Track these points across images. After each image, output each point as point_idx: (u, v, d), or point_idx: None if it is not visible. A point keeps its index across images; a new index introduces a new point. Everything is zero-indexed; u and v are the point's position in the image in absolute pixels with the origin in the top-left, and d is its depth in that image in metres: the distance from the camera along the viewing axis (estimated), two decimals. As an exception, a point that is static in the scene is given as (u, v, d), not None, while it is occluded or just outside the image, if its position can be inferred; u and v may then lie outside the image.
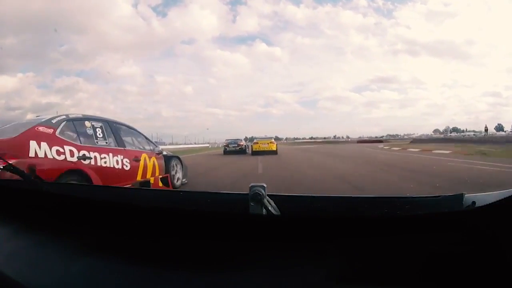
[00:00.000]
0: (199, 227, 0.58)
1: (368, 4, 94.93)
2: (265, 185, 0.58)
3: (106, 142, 3.17)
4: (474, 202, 0.53)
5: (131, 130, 3.91)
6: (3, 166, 1.00)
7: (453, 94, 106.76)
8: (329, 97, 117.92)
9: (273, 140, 15.48)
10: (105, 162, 3.00)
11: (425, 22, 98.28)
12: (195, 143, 45.06)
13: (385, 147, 19.51)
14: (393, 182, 4.80)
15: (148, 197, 0.87)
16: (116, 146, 3.27)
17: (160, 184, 3.87)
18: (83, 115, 3.16)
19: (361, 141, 45.21)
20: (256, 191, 0.57)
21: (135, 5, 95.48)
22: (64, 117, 2.89)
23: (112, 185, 2.67)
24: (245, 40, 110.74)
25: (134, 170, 3.39)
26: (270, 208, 0.57)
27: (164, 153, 4.29)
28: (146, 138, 4.16)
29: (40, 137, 2.52)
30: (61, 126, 2.76)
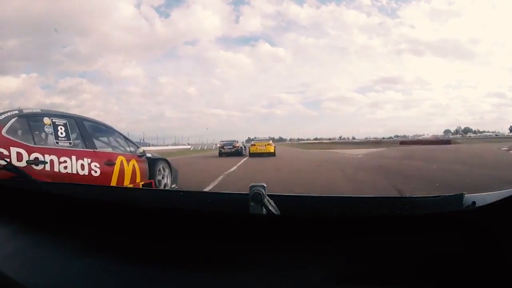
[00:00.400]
0: (199, 227, 0.58)
1: (372, 3, 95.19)
2: (265, 185, 0.58)
3: (70, 143, 2.65)
4: (474, 202, 0.53)
5: (104, 128, 3.38)
6: (3, 166, 1.00)
7: (457, 95, 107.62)
8: (333, 97, 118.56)
9: (270, 142, 15.00)
10: (66, 167, 2.48)
11: (429, 21, 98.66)
12: (175, 144, 36.11)
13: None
14: None
15: (148, 197, 0.87)
16: (83, 148, 2.75)
17: (143, 191, 3.43)
18: (42, 110, 2.68)
19: (405, 142, 32.36)
20: (256, 191, 0.57)
21: (137, 6, 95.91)
22: (16, 112, 2.46)
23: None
24: (248, 40, 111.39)
25: (106, 176, 2.89)
26: (270, 208, 0.57)
27: (149, 155, 3.70)
28: (126, 138, 3.60)
29: None
30: (10, 123, 2.32)
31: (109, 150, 3.25)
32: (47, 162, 2.36)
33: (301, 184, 4.96)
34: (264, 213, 0.57)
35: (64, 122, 2.70)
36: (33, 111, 2.61)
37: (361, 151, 15.81)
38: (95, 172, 2.74)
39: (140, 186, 3.36)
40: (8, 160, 1.84)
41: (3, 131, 2.26)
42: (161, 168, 3.82)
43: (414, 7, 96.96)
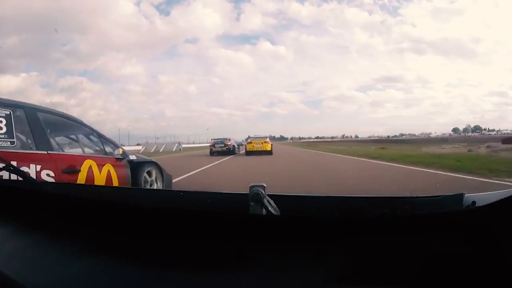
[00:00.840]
0: (199, 227, 0.58)
1: (373, 1, 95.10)
2: (265, 185, 0.58)
3: (12, 142, 1.97)
4: (474, 202, 0.53)
5: (69, 122, 2.57)
6: (3, 166, 1.00)
7: (458, 93, 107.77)
8: (334, 96, 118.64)
9: (267, 140, 14.50)
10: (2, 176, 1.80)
11: (431, 20, 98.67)
12: (138, 144, 29.90)
13: None
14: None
15: (148, 197, 0.87)
16: (33, 149, 2.08)
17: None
18: None
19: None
20: (256, 191, 0.57)
21: (137, 4, 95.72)
22: None
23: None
24: (249, 38, 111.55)
25: None
26: (270, 208, 0.57)
27: (132, 157, 2.99)
28: (100, 135, 2.80)
29: None
30: None
31: (73, 151, 2.58)
32: None
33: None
34: (264, 213, 0.57)
35: (7, 113, 1.98)
36: None
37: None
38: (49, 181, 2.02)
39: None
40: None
41: None
42: (149, 173, 3.10)
43: (416, 6, 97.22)
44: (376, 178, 5.97)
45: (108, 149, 2.76)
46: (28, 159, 1.98)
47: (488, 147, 13.86)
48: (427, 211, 0.59)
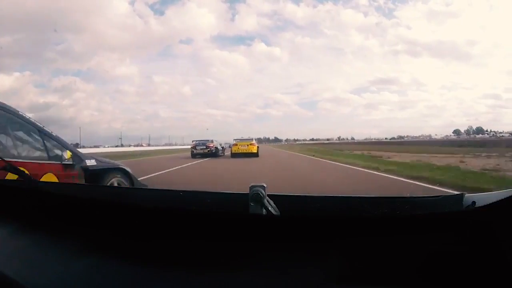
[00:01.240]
0: (199, 227, 0.58)
1: (369, 3, 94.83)
2: (265, 185, 0.58)
3: None
4: (474, 202, 0.53)
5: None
6: (3, 166, 1.00)
7: (452, 96, 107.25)
8: (329, 98, 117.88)
9: (253, 142, 14.13)
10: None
11: (426, 22, 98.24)
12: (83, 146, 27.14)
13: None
14: None
15: (148, 197, 0.87)
16: None
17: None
18: None
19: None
20: (256, 191, 0.57)
21: (131, 3, 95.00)
22: None
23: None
24: (244, 39, 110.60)
25: None
26: (270, 208, 0.57)
27: (91, 163, 2.39)
28: (44, 132, 2.11)
29: None
30: None
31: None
32: None
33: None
34: (264, 213, 0.57)
35: None
36: None
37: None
38: None
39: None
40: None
41: None
42: (114, 182, 2.50)
43: (411, 8, 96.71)
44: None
45: (54, 152, 2.10)
46: None
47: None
48: (427, 211, 0.59)
